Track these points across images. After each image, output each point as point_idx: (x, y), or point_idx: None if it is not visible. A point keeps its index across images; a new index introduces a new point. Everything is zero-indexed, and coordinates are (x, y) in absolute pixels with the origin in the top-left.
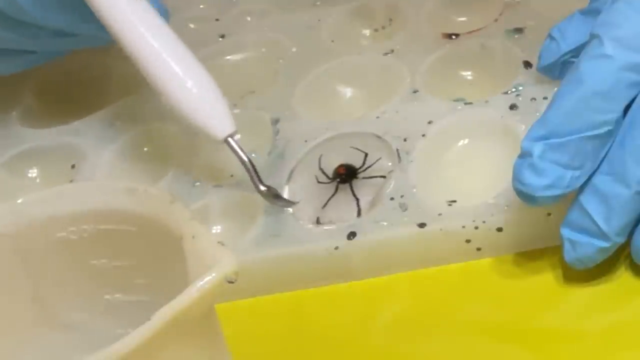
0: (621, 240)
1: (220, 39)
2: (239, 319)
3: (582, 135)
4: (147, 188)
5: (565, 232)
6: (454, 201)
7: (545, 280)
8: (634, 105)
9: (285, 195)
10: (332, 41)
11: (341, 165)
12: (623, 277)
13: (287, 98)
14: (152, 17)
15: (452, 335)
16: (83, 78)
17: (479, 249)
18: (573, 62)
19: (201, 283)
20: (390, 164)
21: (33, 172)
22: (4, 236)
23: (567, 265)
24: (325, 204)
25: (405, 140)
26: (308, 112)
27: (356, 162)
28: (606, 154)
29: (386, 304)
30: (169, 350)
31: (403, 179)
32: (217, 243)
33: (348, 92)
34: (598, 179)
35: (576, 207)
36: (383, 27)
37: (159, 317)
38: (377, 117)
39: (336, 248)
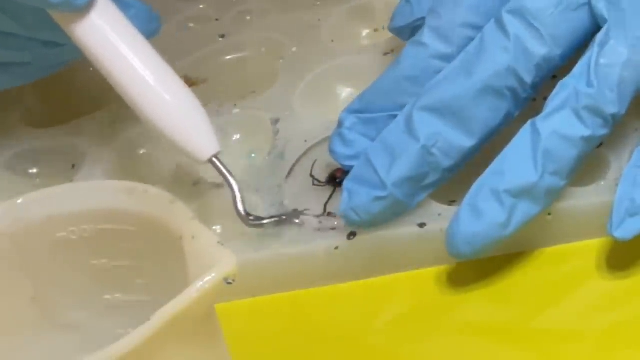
0: (398, 194)
1: (220, 39)
2: (238, 319)
3: (390, 113)
4: (147, 188)
5: (347, 185)
6: (454, 201)
7: (545, 280)
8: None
9: (286, 197)
10: (332, 41)
11: (338, 169)
12: (623, 277)
13: (287, 98)
14: (125, 28)
15: (452, 335)
16: (83, 78)
17: None
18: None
19: (201, 283)
20: None
21: (33, 172)
22: (4, 236)
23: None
24: (325, 205)
25: None
26: (308, 112)
27: None
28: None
29: (386, 304)
30: (169, 350)
31: None
32: (217, 243)
33: (348, 92)
34: (388, 133)
35: (363, 161)
36: (383, 27)
37: (159, 317)
38: None
39: (336, 248)
